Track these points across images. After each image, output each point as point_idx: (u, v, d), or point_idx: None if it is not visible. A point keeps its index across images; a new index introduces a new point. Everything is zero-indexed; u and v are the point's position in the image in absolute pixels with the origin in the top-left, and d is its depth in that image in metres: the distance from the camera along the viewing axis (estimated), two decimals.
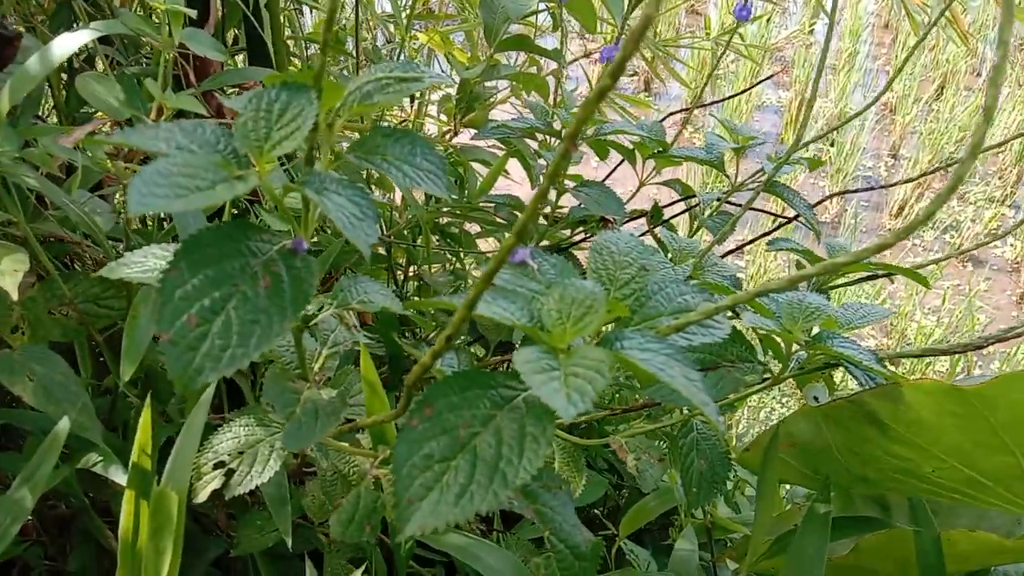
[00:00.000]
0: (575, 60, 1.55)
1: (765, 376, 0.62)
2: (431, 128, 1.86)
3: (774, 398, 2.83)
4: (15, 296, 0.66)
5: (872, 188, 0.92)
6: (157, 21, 0.84)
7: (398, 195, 1.41)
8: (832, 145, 4.17)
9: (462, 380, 0.42)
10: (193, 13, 0.78)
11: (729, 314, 0.52)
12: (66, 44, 0.70)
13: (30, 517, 0.97)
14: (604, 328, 0.46)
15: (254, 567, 0.97)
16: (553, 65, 1.39)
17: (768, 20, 4.70)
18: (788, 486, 1.23)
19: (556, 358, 0.40)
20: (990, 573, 0.83)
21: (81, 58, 1.11)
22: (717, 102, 1.46)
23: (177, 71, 1.06)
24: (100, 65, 1.05)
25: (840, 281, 0.85)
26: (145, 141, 0.40)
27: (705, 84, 1.45)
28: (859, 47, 4.78)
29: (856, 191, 0.92)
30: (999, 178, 4.05)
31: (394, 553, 0.85)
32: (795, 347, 0.61)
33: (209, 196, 0.38)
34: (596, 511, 1.37)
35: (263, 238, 0.43)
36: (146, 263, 0.52)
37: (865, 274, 0.84)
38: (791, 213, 0.93)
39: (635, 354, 0.41)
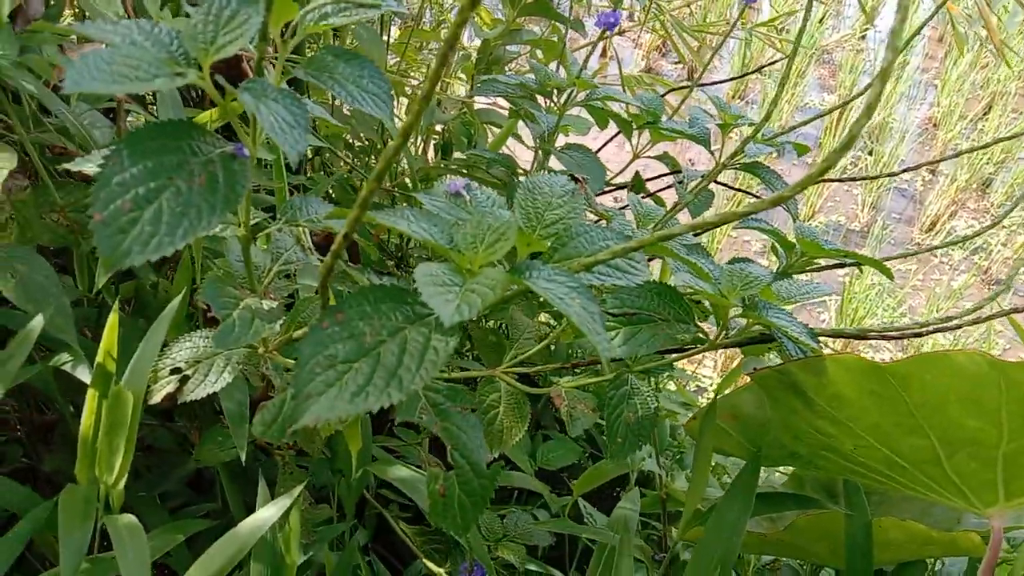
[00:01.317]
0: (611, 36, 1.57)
1: (700, 338, 0.64)
2: (461, 89, 1.88)
3: None
4: None
5: (847, 179, 0.93)
6: None
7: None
8: (870, 154, 4.13)
9: (379, 293, 0.44)
10: None
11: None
12: None
13: (18, 422, 1.01)
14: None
15: (222, 487, 1.00)
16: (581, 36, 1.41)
17: (820, 21, 4.65)
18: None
19: (463, 276, 0.42)
20: (924, 565, 0.85)
21: None
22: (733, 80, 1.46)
23: None
24: None
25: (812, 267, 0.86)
26: (100, 33, 0.43)
27: (745, 74, 1.46)
28: (910, 58, 4.71)
29: (830, 180, 0.92)
30: None
31: (348, 483, 0.88)
32: (733, 313, 0.62)
33: (147, 85, 0.40)
34: (574, 480, 1.39)
35: (207, 140, 0.45)
36: None
37: (833, 261, 0.85)
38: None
39: (540, 283, 0.43)
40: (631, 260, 0.50)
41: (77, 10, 1.05)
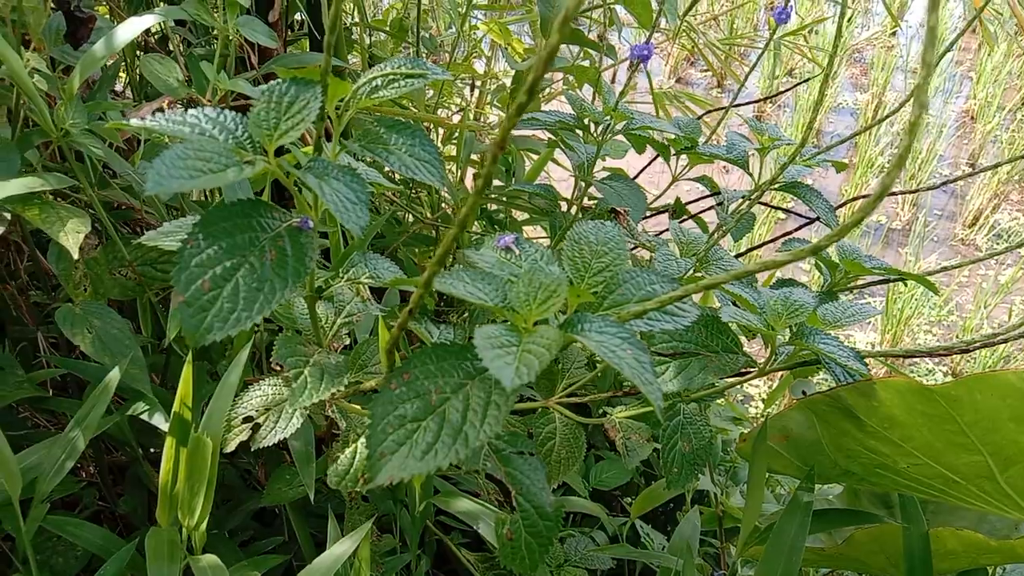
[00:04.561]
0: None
1: (751, 368, 0.66)
2: (492, 117, 1.91)
3: None
4: (75, 254, 0.73)
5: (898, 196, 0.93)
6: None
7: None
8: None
9: (440, 351, 0.47)
10: (248, 2, 0.84)
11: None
12: (131, 28, 0.77)
13: (91, 463, 1.06)
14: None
15: (288, 521, 1.04)
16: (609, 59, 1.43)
17: (849, 20, 4.61)
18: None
19: (519, 335, 0.45)
20: (985, 573, 0.85)
21: (156, 38, 1.20)
22: (778, 94, 1.47)
23: (244, 53, 1.14)
24: (172, 45, 1.13)
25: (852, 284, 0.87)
26: (172, 127, 0.46)
27: (780, 93, 1.45)
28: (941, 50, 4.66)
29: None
30: None
31: (411, 515, 0.91)
32: (780, 341, 0.64)
33: (220, 178, 0.43)
34: (628, 499, 1.41)
35: (274, 215, 0.49)
36: (180, 234, 0.58)
37: (877, 278, 0.86)
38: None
39: (592, 336, 0.45)
40: (679, 303, 0.52)
41: (133, 72, 1.10)
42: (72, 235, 0.74)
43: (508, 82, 1.74)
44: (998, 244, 3.62)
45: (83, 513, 1.03)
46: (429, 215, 1.41)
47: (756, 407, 2.65)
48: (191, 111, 0.48)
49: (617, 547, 0.95)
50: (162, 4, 1.12)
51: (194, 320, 0.44)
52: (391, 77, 0.52)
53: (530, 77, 0.30)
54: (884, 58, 4.54)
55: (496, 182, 1.54)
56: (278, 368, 0.55)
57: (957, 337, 3.18)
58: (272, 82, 0.48)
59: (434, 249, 1.47)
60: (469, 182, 1.64)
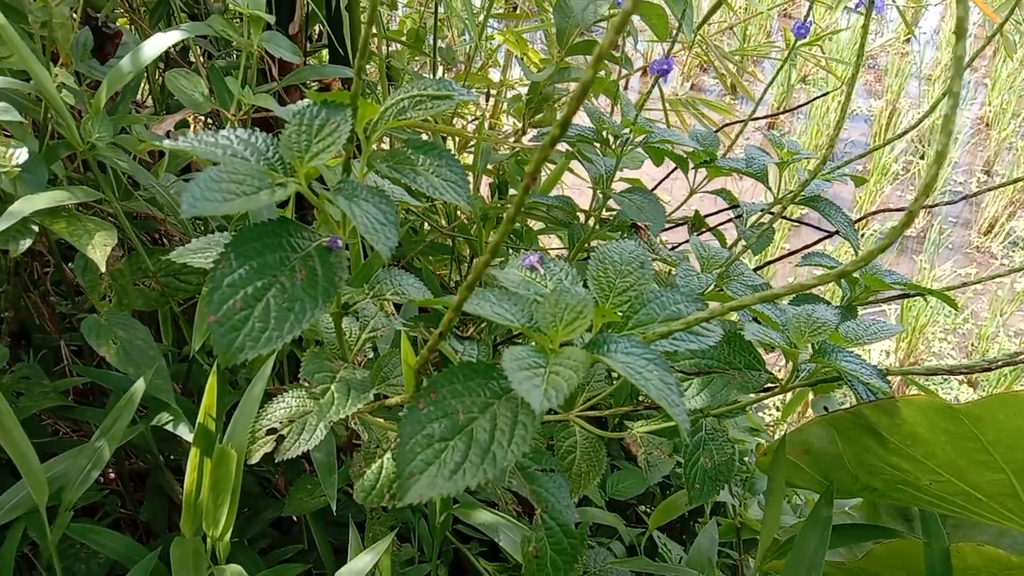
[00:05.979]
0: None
1: (772, 384, 0.66)
2: (507, 126, 1.92)
3: None
4: (103, 268, 0.74)
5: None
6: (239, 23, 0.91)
7: None
8: (922, 158, 4.07)
9: (467, 370, 0.48)
10: (272, 18, 0.84)
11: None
12: (157, 44, 0.78)
13: (111, 470, 1.07)
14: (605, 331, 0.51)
15: (307, 529, 1.05)
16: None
17: (863, 27, 4.59)
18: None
19: (546, 356, 0.45)
20: None
21: (177, 49, 1.21)
22: (799, 106, 1.48)
23: (264, 65, 1.15)
24: (193, 57, 1.14)
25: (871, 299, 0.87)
26: (205, 150, 0.47)
27: (799, 106, 1.44)
28: None
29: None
30: None
31: (431, 525, 0.91)
32: (803, 358, 0.64)
33: (254, 201, 0.44)
34: (643, 507, 1.41)
35: (303, 235, 0.49)
36: (209, 251, 0.59)
37: (895, 293, 0.86)
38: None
39: (618, 357, 0.46)
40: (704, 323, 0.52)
41: (155, 83, 1.11)
42: (100, 248, 0.75)
43: (523, 91, 1.75)
44: (1014, 252, 3.61)
45: (104, 520, 1.04)
46: (445, 224, 1.41)
47: (771, 414, 2.65)
48: (222, 132, 0.49)
49: (635, 560, 0.96)
50: (185, 18, 1.13)
51: (226, 340, 0.45)
52: (418, 99, 0.53)
53: (565, 111, 0.30)
54: (898, 64, 4.52)
55: (512, 190, 1.55)
56: (306, 384, 0.56)
57: (972, 345, 3.17)
58: (303, 104, 0.49)
59: (450, 258, 1.48)
60: (484, 191, 1.65)
